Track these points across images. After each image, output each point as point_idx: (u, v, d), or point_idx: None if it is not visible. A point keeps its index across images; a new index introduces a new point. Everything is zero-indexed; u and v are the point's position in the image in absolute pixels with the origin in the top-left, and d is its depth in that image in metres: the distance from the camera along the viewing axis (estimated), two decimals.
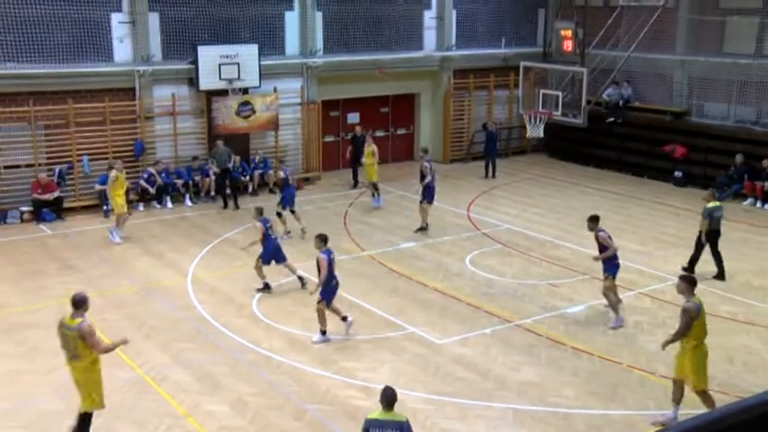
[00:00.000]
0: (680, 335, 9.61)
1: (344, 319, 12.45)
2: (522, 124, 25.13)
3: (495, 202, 21.03)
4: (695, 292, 9.81)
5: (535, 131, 22.97)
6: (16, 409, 10.28)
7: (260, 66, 21.34)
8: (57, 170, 19.36)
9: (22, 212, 18.90)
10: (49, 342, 12.16)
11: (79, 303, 9.01)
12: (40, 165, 19.19)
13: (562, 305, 13.84)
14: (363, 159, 21.00)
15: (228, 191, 20.37)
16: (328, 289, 12.23)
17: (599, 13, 24.71)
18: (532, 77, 24.66)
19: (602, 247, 12.90)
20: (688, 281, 9.89)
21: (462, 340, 12.44)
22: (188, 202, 20.62)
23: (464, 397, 10.66)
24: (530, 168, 25.24)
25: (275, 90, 22.05)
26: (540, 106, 22.77)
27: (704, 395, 9.62)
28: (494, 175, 23.86)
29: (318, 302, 12.24)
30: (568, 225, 18.83)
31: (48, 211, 18.93)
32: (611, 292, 12.92)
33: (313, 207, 20.36)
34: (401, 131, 26.20)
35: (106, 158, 19.84)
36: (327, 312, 12.30)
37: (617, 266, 12.94)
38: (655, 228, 18.67)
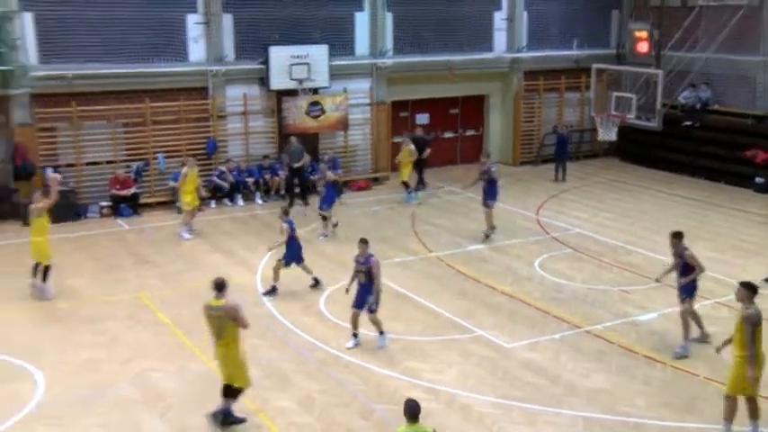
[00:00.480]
0: (751, 346, 9.18)
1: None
2: (593, 127, 24.75)
3: (565, 206, 20.74)
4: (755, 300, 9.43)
5: (607, 134, 22.58)
6: (95, 396, 10.60)
7: (330, 66, 21.54)
8: (134, 167, 19.93)
9: (102, 207, 19.52)
10: (126, 333, 12.60)
11: (221, 286, 9.84)
12: (118, 161, 19.79)
13: (634, 312, 13.55)
14: (399, 158, 20.97)
15: (297, 189, 20.59)
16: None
17: (676, 13, 24.11)
18: (605, 79, 24.24)
19: (686, 267, 11.82)
20: (748, 287, 9.50)
21: (531, 345, 12.31)
22: (258, 201, 20.93)
23: (532, 402, 10.54)
24: (601, 172, 24.81)
25: (345, 90, 22.22)
26: (613, 109, 22.38)
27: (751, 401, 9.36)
28: (564, 179, 23.54)
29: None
30: (641, 230, 18.44)
31: (125, 206, 19.51)
32: (689, 316, 11.97)
33: (381, 207, 20.44)
34: (470, 133, 26.08)
35: (180, 156, 20.35)
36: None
37: (696, 287, 11.98)
38: (733, 235, 18.12)
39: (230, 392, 9.77)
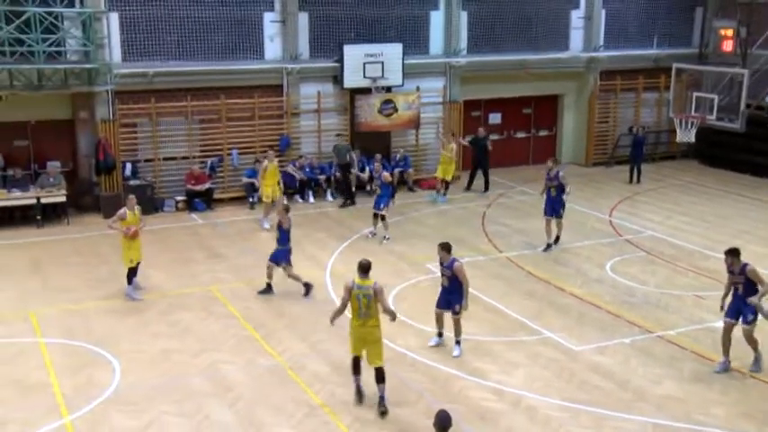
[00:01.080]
0: None
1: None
2: (671, 128, 24.15)
3: (638, 208, 20.29)
4: None
5: (686, 136, 22.00)
6: (168, 386, 10.91)
7: (403, 65, 21.58)
8: (208, 162, 20.39)
9: (177, 202, 20.04)
10: (198, 325, 12.90)
11: (367, 268, 10.36)
12: (193, 157, 20.29)
13: (709, 318, 13.15)
14: (443, 154, 20.83)
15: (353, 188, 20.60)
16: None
17: (765, 9, 23.20)
18: (685, 79, 23.60)
19: (749, 284, 10.94)
20: None
21: (600, 348, 12.10)
22: (329, 198, 21.14)
23: (600, 407, 10.36)
24: (678, 174, 24.16)
25: (418, 89, 22.23)
26: (693, 110, 21.76)
27: None
28: (638, 181, 23.01)
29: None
30: (719, 235, 17.89)
31: (199, 201, 19.98)
32: (754, 337, 11.20)
33: (452, 207, 20.38)
34: (543, 133, 25.76)
35: (254, 152, 20.75)
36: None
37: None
38: None
39: (381, 378, 10.22)
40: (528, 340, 12.42)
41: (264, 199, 18.47)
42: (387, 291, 14.21)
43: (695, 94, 22.03)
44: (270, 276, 14.18)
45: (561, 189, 16.61)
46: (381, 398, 10.25)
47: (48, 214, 18.70)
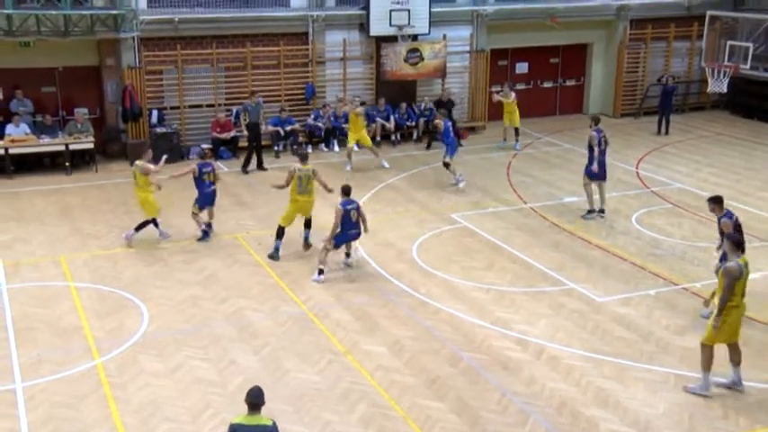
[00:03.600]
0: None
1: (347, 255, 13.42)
2: (702, 78, 23.72)
3: (666, 160, 20.05)
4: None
5: (717, 86, 21.60)
6: (195, 331, 11.12)
7: (430, 13, 21.28)
8: (234, 110, 20.38)
9: (203, 149, 20.03)
10: (224, 272, 13.07)
11: (348, 191, 12.77)
12: (219, 105, 20.29)
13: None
14: (507, 103, 20.84)
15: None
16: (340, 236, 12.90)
17: None
18: (719, 27, 23.05)
19: (723, 234, 11.10)
20: (733, 240, 9.61)
21: (624, 300, 12.10)
22: (355, 147, 21.05)
23: (623, 357, 10.41)
24: (708, 125, 23.77)
25: (444, 37, 21.94)
26: (726, 59, 21.30)
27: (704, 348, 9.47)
28: (667, 132, 22.69)
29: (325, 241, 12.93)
30: (748, 187, 17.69)
31: (224, 149, 20.04)
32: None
33: (475, 157, 20.27)
34: (570, 83, 25.38)
35: (279, 101, 20.69)
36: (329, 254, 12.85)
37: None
38: None
39: (308, 224, 12.83)
40: (551, 291, 12.45)
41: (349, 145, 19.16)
42: (410, 240, 14.35)
43: (729, 42, 21.53)
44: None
45: (590, 149, 15.53)
46: (306, 237, 13.63)
47: (76, 161, 18.90)
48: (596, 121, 15.84)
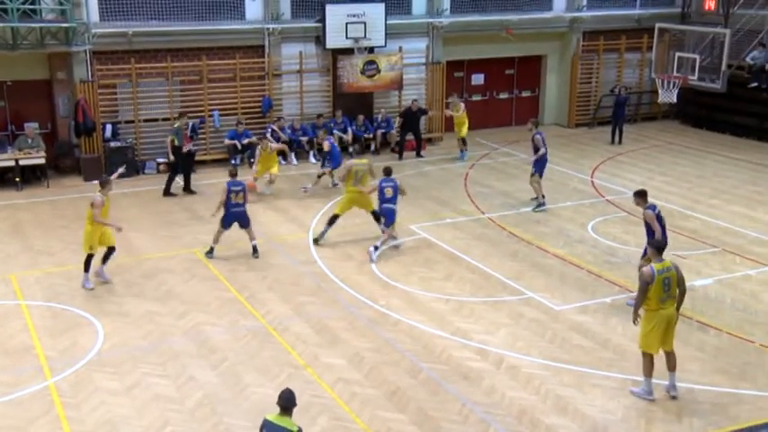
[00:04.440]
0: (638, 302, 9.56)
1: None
2: (653, 89, 24.19)
3: (620, 169, 20.39)
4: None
5: (667, 96, 22.04)
6: (153, 347, 10.94)
7: (386, 25, 21.38)
8: (190, 124, 20.13)
9: (159, 164, 19.88)
10: (181, 287, 12.90)
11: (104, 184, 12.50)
12: (175, 119, 20.06)
13: (689, 277, 13.16)
14: (457, 116, 21.01)
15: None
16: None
17: None
18: (667, 40, 23.57)
19: (647, 226, 11.87)
20: (654, 245, 9.73)
21: (581, 308, 12.24)
22: (312, 159, 21.04)
23: (581, 365, 10.52)
24: (659, 135, 24.25)
25: (400, 50, 22.06)
26: (675, 70, 21.79)
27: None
28: (620, 141, 23.09)
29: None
30: (699, 195, 18.07)
31: (181, 163, 19.78)
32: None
33: (434, 168, 20.38)
34: (526, 94, 25.71)
35: (235, 114, 20.59)
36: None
37: (664, 247, 11.64)
38: None
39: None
40: (510, 300, 12.54)
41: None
42: (367, 252, 14.35)
43: (677, 54, 22.03)
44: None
45: (535, 149, 16.80)
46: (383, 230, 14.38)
47: (27, 177, 18.53)
48: (536, 124, 17.40)
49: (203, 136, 20.59)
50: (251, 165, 20.18)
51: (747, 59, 23.24)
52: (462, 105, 21.28)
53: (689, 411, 9.49)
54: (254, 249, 14.23)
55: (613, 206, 17.31)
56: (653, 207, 11.98)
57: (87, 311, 11.96)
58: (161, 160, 19.86)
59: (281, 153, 20.73)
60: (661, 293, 9.44)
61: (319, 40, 21.26)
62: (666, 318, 9.54)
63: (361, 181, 14.79)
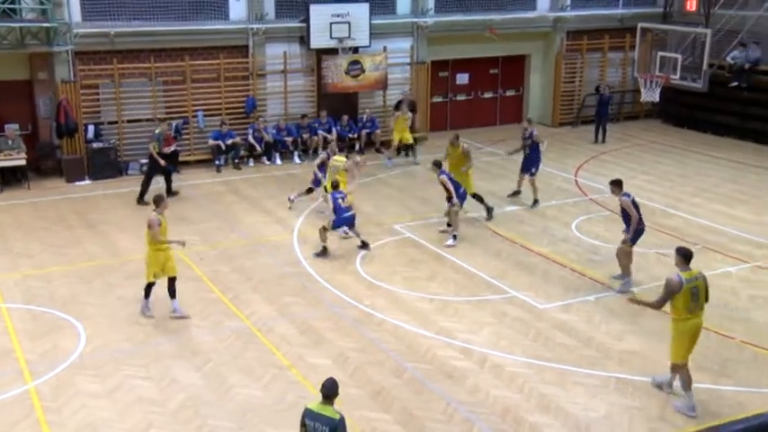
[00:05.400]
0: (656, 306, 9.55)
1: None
2: (636, 88, 24.32)
3: (604, 168, 20.47)
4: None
5: (650, 96, 22.15)
6: (135, 349, 10.89)
7: (371, 25, 21.37)
8: (173, 125, 20.09)
9: (142, 164, 19.75)
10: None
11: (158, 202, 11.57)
12: (158, 119, 19.96)
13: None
14: (403, 120, 20.75)
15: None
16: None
17: None
18: (650, 39, 23.69)
19: (623, 212, 12.73)
20: (681, 253, 9.46)
21: (565, 306, 12.29)
22: (297, 160, 21.01)
23: (565, 363, 10.56)
24: (642, 134, 24.38)
25: (385, 49, 22.06)
26: (657, 69, 21.91)
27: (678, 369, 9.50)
28: (604, 140, 23.20)
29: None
30: (681, 194, 18.18)
31: (166, 163, 19.67)
32: (625, 257, 12.80)
33: (420, 168, 20.38)
34: (510, 93, 25.77)
35: (220, 114, 20.51)
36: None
37: (641, 232, 12.78)
38: None
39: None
40: (494, 299, 12.57)
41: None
42: (354, 252, 14.34)
43: (659, 53, 22.15)
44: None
45: (536, 147, 17.11)
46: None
47: (7, 178, 18.38)
48: (530, 121, 18.09)
49: (187, 136, 20.50)
50: (235, 165, 20.16)
51: (728, 59, 23.41)
52: (410, 114, 20.87)
53: (671, 408, 9.54)
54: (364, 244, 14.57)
55: (597, 205, 17.38)
56: (627, 194, 12.69)
57: (69, 314, 11.88)
58: (144, 161, 19.74)
59: (266, 153, 20.70)
60: (689, 303, 9.27)
61: (303, 40, 21.22)
62: (696, 327, 9.38)
63: (338, 179, 14.86)
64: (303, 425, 7.07)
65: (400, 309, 12.19)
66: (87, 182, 18.97)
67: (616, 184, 12.82)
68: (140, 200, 17.33)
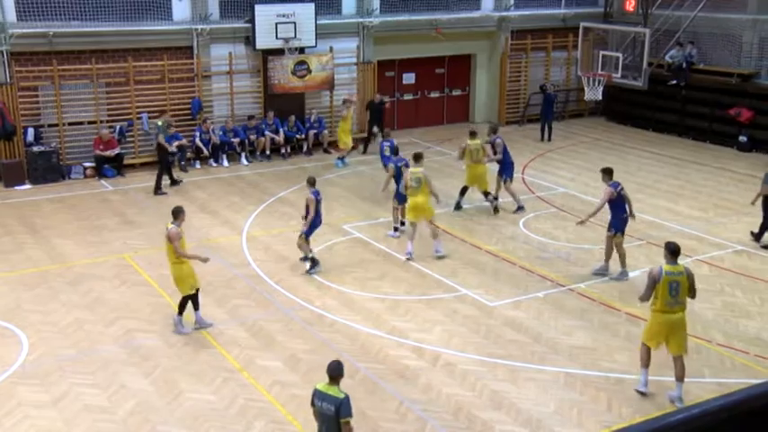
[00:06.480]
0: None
1: (304, 259, 13.49)
2: (579, 87, 24.70)
3: (550, 166, 20.77)
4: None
5: (593, 94, 22.53)
6: (81, 356, 10.65)
7: (316, 25, 21.29)
8: (117, 127, 19.75)
9: (85, 168, 19.36)
10: (111, 294, 12.59)
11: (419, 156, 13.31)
12: (101, 122, 19.60)
13: (617, 270, 13.65)
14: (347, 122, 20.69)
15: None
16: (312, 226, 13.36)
17: None
18: (592, 38, 24.12)
19: (612, 203, 13.12)
20: (668, 248, 9.67)
21: (515, 303, 12.43)
22: (244, 161, 20.82)
23: (515, 360, 10.68)
24: (587, 131, 24.81)
25: (331, 50, 22.00)
26: (600, 68, 22.30)
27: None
28: (549, 138, 23.54)
29: (300, 237, 13.39)
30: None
31: (109, 167, 19.37)
32: (611, 248, 13.25)
33: (368, 168, 20.38)
34: (456, 93, 25.96)
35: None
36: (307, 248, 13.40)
37: (624, 221, 13.13)
38: (716, 194, 18.26)
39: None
40: (445, 298, 12.64)
41: (341, 146, 20.53)
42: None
43: (601, 52, 22.56)
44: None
45: (506, 152, 16.97)
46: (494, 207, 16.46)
47: None
48: (495, 129, 17.46)
49: (131, 139, 20.13)
50: (182, 167, 19.88)
51: (666, 58, 23.98)
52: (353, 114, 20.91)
53: (618, 401, 9.73)
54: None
55: (544, 202, 17.62)
56: (614, 185, 13.03)
57: (9, 322, 11.57)
58: (88, 165, 19.36)
59: (213, 156, 20.46)
60: (668, 297, 9.39)
61: (249, 40, 21.04)
62: (671, 322, 9.51)
63: (476, 158, 16.25)
64: (313, 404, 7.56)
65: (351, 309, 12.17)
66: (28, 186, 18.51)
67: (606, 173, 13.18)
68: (157, 189, 18.02)
